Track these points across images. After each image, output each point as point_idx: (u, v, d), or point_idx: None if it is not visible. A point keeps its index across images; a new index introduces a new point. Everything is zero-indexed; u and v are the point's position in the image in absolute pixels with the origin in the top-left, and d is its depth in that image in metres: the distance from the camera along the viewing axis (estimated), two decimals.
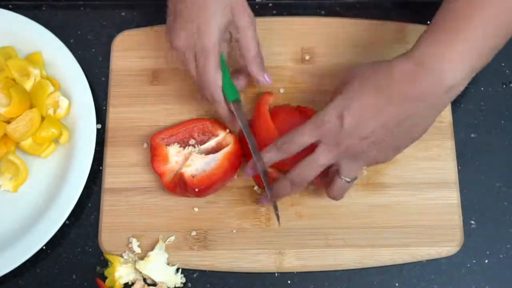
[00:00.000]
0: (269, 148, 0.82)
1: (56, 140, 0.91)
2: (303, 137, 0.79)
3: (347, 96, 0.77)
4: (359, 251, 0.88)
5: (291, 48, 0.96)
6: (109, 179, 0.91)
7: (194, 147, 0.90)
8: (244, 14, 0.84)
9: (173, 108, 0.94)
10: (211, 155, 0.88)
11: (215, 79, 0.83)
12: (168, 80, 0.95)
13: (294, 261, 0.88)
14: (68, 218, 0.88)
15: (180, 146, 0.90)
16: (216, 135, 0.90)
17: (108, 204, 0.90)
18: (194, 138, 0.91)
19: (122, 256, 0.87)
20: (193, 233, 0.89)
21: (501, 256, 0.89)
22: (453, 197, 0.90)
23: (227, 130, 0.90)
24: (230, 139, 0.90)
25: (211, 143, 0.90)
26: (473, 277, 0.88)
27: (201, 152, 0.89)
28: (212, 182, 0.87)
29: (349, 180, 0.81)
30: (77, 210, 0.89)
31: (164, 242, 0.88)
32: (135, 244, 0.88)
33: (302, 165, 0.80)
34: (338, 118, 0.77)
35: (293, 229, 0.88)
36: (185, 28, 0.82)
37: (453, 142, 0.92)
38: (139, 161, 0.92)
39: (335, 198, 0.84)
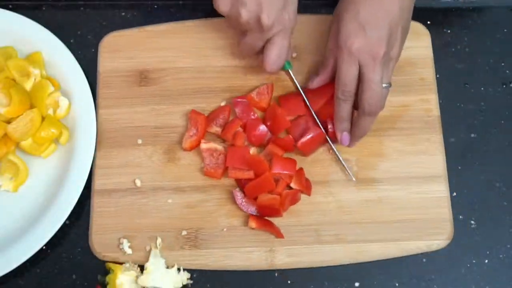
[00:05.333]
0: (338, 104, 0.86)
1: (56, 140, 0.91)
2: (349, 72, 0.83)
3: (352, 19, 0.82)
4: (350, 247, 0.88)
5: None
6: (99, 181, 0.91)
7: None
8: None
9: (162, 109, 0.94)
10: None
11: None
12: (156, 81, 0.95)
13: (285, 258, 0.88)
14: (68, 218, 0.88)
15: None
16: None
17: (98, 206, 0.90)
18: None
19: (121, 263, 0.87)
20: (184, 232, 0.89)
21: (501, 256, 0.89)
22: (442, 190, 0.90)
23: None
24: None
25: None
26: (473, 277, 0.88)
27: None
28: None
29: (388, 85, 0.85)
30: (77, 210, 0.89)
31: (157, 248, 0.87)
32: (125, 245, 0.87)
33: (367, 96, 0.83)
34: (357, 35, 0.82)
35: (284, 226, 0.88)
36: None
37: (441, 136, 0.93)
38: (129, 162, 0.92)
39: (381, 108, 0.86)
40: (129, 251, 0.87)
